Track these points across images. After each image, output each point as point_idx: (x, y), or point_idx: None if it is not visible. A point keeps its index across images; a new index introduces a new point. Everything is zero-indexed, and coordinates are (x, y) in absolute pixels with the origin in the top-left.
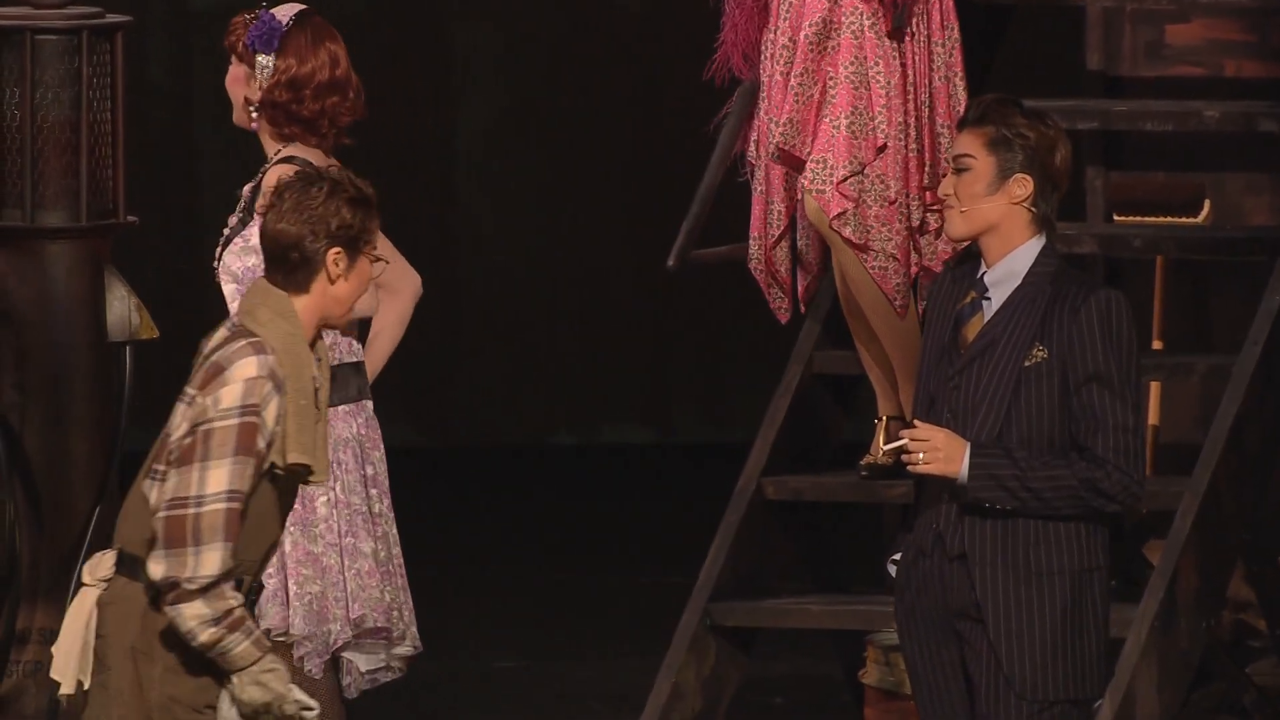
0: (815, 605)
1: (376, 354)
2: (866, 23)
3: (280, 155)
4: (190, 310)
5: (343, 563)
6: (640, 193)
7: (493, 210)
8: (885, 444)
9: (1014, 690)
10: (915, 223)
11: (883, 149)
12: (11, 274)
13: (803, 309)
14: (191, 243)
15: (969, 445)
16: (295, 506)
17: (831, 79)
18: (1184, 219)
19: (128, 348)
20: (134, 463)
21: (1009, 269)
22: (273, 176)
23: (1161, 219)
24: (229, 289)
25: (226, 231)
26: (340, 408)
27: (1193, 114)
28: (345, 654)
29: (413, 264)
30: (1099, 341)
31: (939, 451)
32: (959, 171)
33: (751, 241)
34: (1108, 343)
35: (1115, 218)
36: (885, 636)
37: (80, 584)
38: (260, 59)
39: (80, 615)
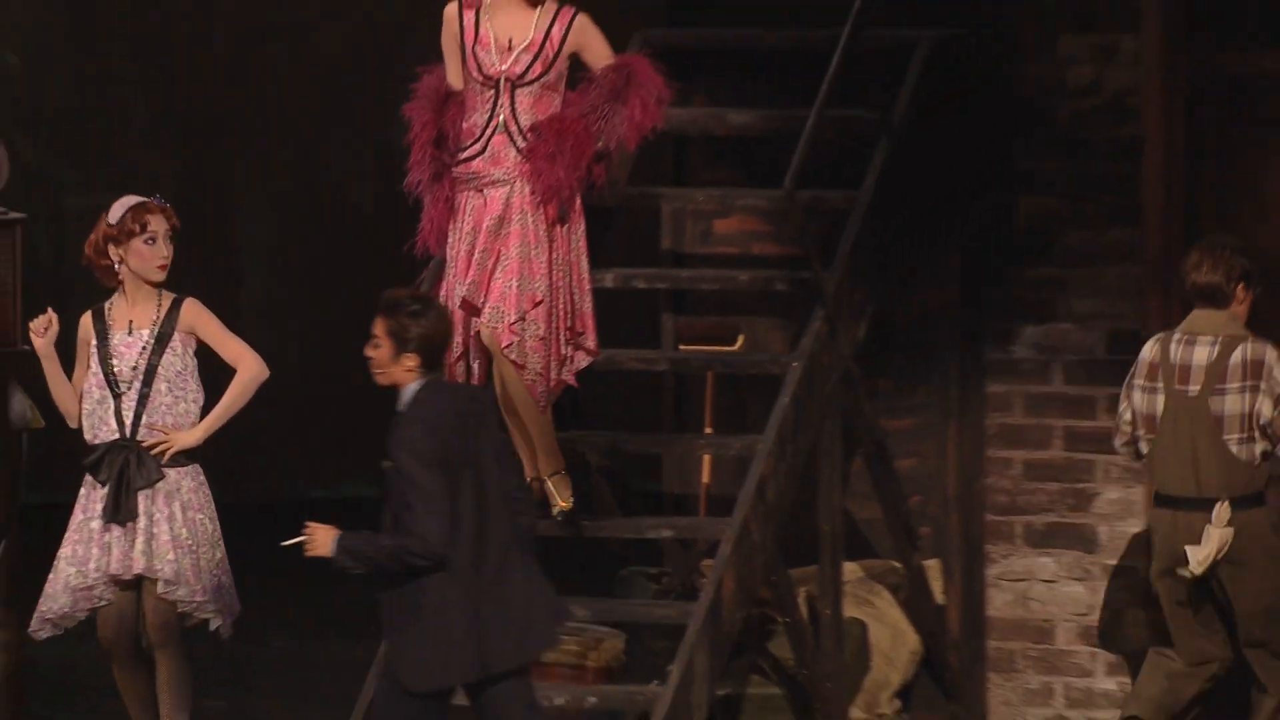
0: None
1: (218, 414)
2: (530, 220)
3: (173, 298)
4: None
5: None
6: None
7: (270, 303)
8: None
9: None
10: (563, 352)
11: (539, 304)
12: None
13: None
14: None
15: (338, 534)
16: (198, 517)
17: (504, 254)
18: (726, 348)
19: (24, 434)
20: (30, 515)
21: (401, 403)
22: (192, 309)
23: (712, 348)
24: (163, 388)
25: (140, 349)
26: (185, 468)
27: (731, 278)
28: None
29: None
30: (400, 450)
31: (314, 540)
32: (376, 346)
33: None
34: (401, 452)
35: (681, 347)
36: None
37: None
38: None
39: (1220, 539)
